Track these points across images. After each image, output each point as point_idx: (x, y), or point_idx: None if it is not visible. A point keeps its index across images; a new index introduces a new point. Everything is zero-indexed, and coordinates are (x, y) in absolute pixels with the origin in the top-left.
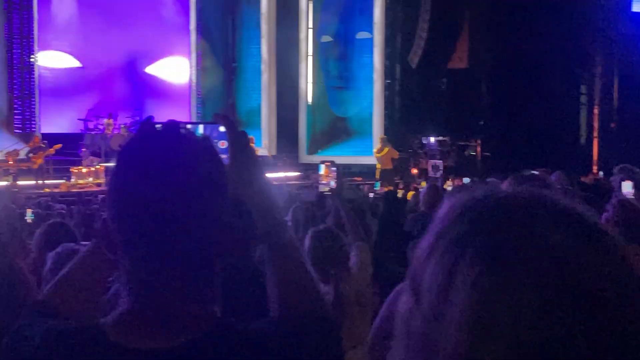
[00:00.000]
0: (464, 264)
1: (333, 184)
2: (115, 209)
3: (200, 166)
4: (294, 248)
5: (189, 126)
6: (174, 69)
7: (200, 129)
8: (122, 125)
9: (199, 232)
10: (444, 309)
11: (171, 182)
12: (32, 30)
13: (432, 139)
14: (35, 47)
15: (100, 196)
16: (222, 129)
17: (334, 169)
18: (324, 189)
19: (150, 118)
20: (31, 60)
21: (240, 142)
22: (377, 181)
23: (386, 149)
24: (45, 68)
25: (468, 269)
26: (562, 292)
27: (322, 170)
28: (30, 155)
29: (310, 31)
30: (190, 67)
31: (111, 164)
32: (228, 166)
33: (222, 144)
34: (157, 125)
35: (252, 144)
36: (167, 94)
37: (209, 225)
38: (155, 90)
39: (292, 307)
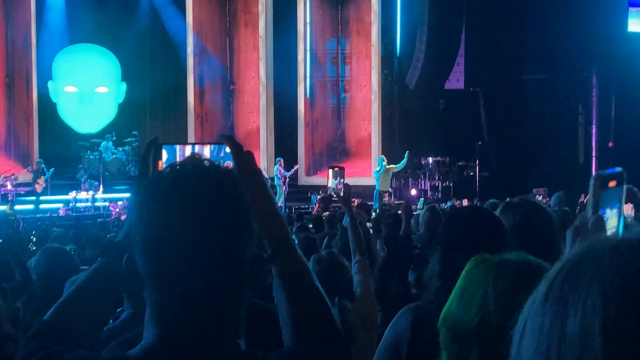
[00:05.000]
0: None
1: (340, 187)
2: (143, 245)
3: (225, 202)
4: (304, 269)
5: (207, 152)
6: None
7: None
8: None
9: (227, 267)
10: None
11: (196, 218)
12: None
13: (431, 160)
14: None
15: (100, 220)
16: (227, 149)
17: (341, 174)
18: (331, 189)
19: (156, 139)
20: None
21: (245, 162)
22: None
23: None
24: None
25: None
26: None
27: (331, 174)
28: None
29: (308, 53)
30: (189, 89)
31: (133, 197)
32: None
33: (228, 165)
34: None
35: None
36: (167, 115)
37: (236, 260)
38: (155, 111)
39: (306, 333)
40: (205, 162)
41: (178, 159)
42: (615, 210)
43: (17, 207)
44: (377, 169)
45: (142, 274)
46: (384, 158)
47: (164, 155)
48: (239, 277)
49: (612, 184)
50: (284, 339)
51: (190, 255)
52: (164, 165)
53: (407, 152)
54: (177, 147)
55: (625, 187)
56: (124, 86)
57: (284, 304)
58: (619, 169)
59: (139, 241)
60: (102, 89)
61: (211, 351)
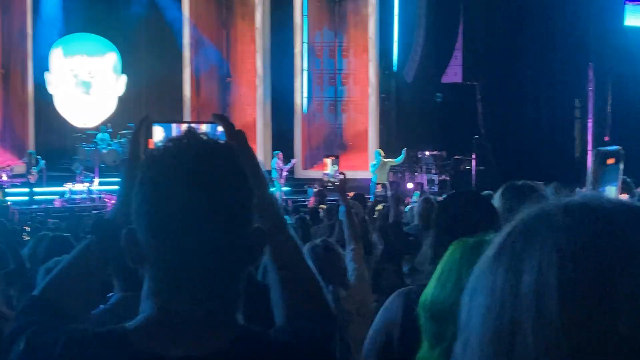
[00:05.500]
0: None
1: (336, 176)
2: (144, 218)
3: (227, 175)
4: (296, 248)
5: (204, 129)
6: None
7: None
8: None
9: (227, 241)
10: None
11: (200, 192)
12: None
13: (428, 153)
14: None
15: (94, 211)
16: (220, 128)
17: (336, 163)
18: (327, 180)
19: (147, 117)
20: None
21: (238, 141)
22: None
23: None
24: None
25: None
26: None
27: (329, 162)
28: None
29: (305, 45)
30: (185, 81)
31: (124, 175)
32: None
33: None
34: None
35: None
36: (163, 107)
37: (236, 235)
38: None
39: (298, 311)
40: (203, 135)
41: None
42: (614, 188)
43: (12, 198)
44: (374, 162)
45: (143, 246)
46: (381, 151)
47: (160, 133)
48: (240, 250)
49: (610, 161)
50: (276, 318)
51: (191, 227)
52: (157, 144)
53: (405, 148)
54: (173, 125)
55: (622, 165)
56: (124, 78)
57: (276, 282)
58: (617, 147)
59: (141, 213)
60: (101, 81)
61: (209, 324)
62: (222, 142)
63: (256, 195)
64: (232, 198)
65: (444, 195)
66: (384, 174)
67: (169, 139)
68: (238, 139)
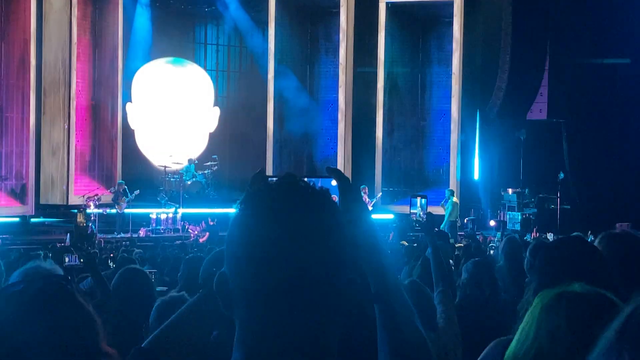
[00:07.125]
0: None
1: (424, 215)
2: (235, 263)
3: (322, 221)
4: (408, 310)
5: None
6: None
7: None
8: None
9: (320, 288)
10: None
11: (294, 237)
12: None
13: (510, 191)
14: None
15: (178, 242)
16: (334, 182)
17: (424, 201)
18: (417, 215)
19: (262, 171)
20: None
21: (353, 197)
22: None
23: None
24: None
25: None
26: None
27: (417, 202)
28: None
29: (388, 81)
30: (268, 114)
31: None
32: None
33: (334, 198)
34: (271, 178)
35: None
36: (246, 140)
37: (330, 282)
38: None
39: None
40: (301, 182)
41: None
42: None
43: (98, 227)
44: (446, 198)
45: (233, 291)
46: (453, 191)
47: None
48: (331, 301)
49: None
50: None
51: (277, 273)
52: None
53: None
54: None
55: None
56: (216, 112)
57: (385, 341)
58: None
59: (229, 259)
60: (190, 114)
61: None
62: (318, 188)
63: (367, 255)
64: (322, 246)
65: (528, 236)
66: (456, 210)
67: (265, 183)
68: (352, 194)
